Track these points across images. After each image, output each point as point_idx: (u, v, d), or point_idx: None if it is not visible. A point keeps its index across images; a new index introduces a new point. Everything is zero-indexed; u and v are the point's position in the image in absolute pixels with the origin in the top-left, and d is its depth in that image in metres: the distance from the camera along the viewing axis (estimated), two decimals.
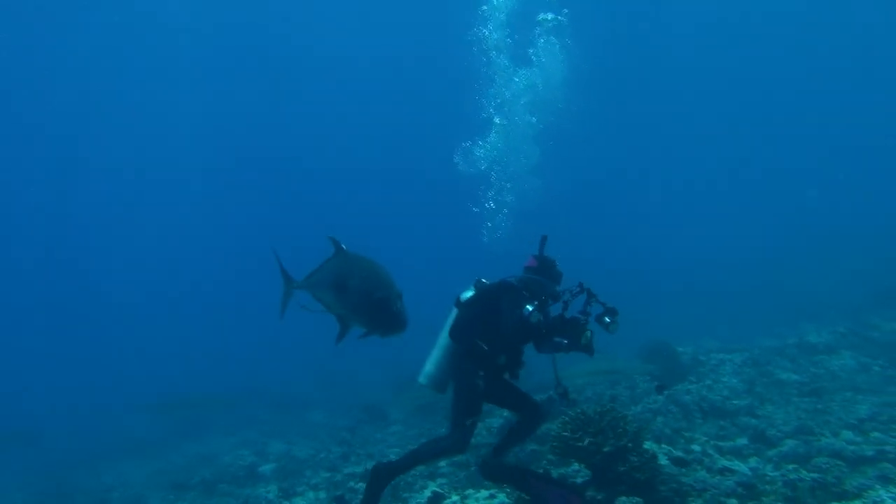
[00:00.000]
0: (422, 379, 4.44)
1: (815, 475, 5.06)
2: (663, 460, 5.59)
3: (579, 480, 4.95)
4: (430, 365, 4.40)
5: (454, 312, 4.40)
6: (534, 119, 9.31)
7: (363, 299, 3.61)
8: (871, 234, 20.29)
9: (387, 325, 3.58)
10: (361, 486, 7.50)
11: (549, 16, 10.42)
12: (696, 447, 6.20)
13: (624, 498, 4.54)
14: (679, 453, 5.96)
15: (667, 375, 9.33)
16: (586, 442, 4.87)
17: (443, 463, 7.33)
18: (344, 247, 4.16)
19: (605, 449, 4.81)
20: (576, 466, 5.08)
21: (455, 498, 5.77)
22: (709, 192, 42.51)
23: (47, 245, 46.38)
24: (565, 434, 5.07)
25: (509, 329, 4.15)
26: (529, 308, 4.04)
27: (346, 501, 7.07)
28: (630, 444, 4.89)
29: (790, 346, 10.24)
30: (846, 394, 7.82)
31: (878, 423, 6.48)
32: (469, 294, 4.39)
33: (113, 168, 44.98)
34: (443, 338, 4.38)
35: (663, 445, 6.18)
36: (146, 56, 38.56)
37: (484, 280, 4.45)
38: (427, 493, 6.09)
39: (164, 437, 15.12)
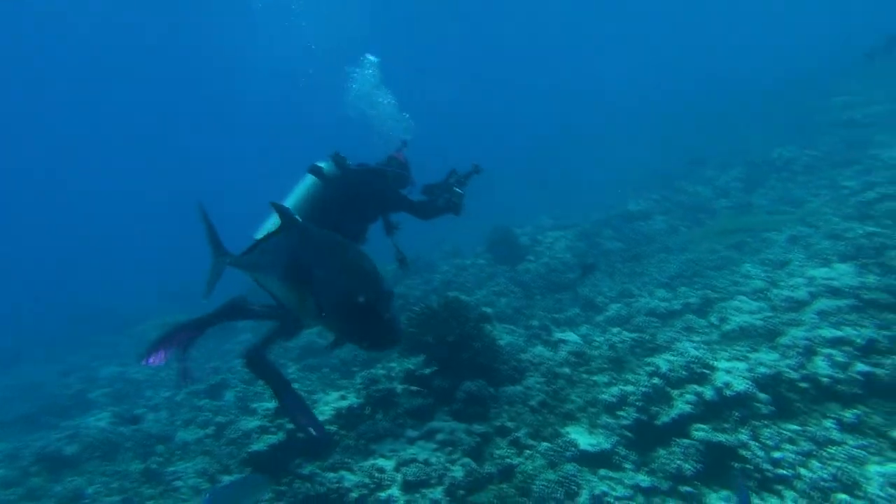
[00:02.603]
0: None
1: (634, 335, 5.60)
2: (505, 340, 5.86)
3: (427, 371, 4.99)
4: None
5: (307, 179, 3.91)
6: None
7: (338, 301, 2.54)
8: (689, 111, 22.17)
9: (374, 338, 2.57)
10: (207, 402, 7.10)
11: None
12: (535, 322, 6.58)
13: (469, 382, 4.66)
14: (520, 331, 6.29)
15: (508, 257, 9.73)
16: (431, 337, 4.86)
17: (292, 368, 7.12)
18: (298, 218, 2.98)
19: (450, 339, 4.85)
20: (423, 358, 5.10)
21: None
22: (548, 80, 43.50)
23: None
24: (412, 330, 5.01)
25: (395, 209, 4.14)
26: (459, 191, 4.20)
27: (140, 418, 6.98)
28: (473, 331, 4.98)
29: (615, 216, 11.10)
30: (660, 255, 8.74)
31: (685, 279, 7.34)
32: (328, 166, 3.95)
33: None
34: (290, 203, 3.90)
35: (506, 325, 6.48)
36: None
37: (342, 154, 4.04)
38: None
39: None
